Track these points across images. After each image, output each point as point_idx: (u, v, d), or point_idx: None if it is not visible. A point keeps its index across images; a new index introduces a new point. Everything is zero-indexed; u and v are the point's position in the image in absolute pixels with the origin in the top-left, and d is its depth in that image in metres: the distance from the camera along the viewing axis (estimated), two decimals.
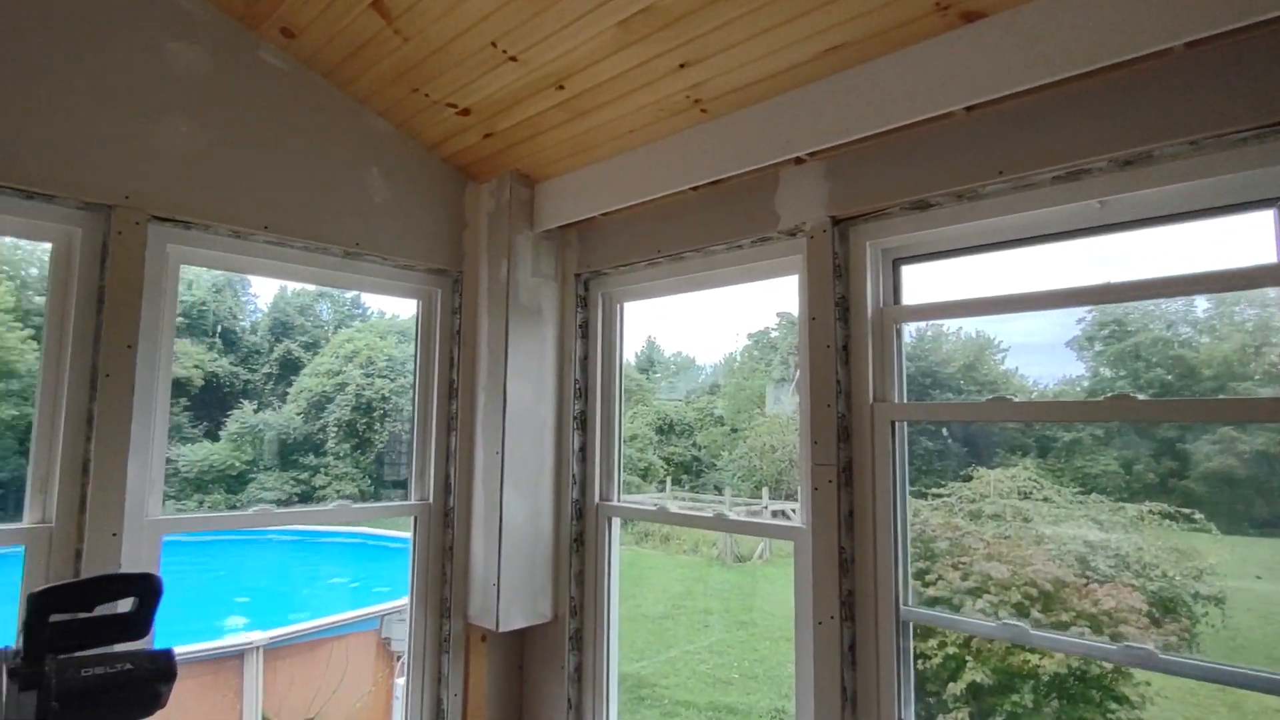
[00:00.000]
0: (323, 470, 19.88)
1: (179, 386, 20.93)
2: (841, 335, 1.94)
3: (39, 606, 1.05)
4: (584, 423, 2.69)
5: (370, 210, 2.45)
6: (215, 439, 20.15)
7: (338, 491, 19.49)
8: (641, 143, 2.27)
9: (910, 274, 1.99)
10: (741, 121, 2.03)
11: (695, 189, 2.25)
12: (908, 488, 1.91)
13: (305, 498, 19.33)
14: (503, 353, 2.53)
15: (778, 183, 2.10)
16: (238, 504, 18.97)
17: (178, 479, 18.91)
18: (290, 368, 22.43)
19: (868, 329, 1.93)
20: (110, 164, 1.94)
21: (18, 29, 1.82)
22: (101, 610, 1.14)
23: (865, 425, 1.91)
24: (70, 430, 1.88)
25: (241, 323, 23.61)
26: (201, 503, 18.72)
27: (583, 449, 2.68)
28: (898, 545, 1.87)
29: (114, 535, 1.89)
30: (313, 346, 22.72)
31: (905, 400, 1.93)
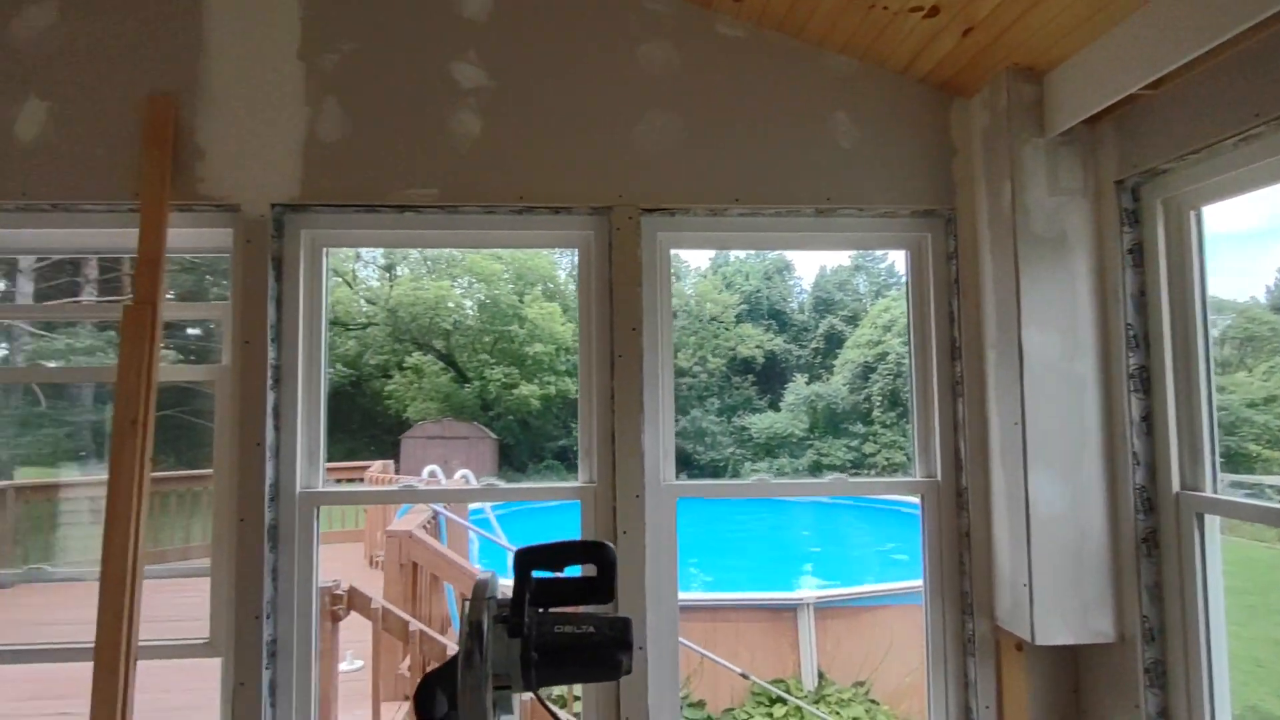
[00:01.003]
0: (871, 438, 20.58)
1: (745, 364, 24.44)
2: None
3: (521, 563, 1.17)
4: (1146, 382, 1.96)
5: (839, 159, 2.24)
6: (777, 409, 22.86)
7: (887, 459, 19.89)
8: None
9: None
10: None
11: None
12: None
13: (857, 464, 20.32)
14: (1014, 298, 2.02)
15: None
16: (798, 468, 21.07)
17: (751, 444, 22.07)
18: (834, 341, 23.88)
19: None
20: (605, 170, 2.19)
21: (527, 78, 2.19)
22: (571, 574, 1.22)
23: None
24: (600, 405, 2.20)
25: (790, 304, 26.20)
26: (771, 465, 21.45)
27: (1147, 418, 1.96)
28: None
29: (637, 497, 2.14)
30: (853, 319, 23.75)
31: None
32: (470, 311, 23.94)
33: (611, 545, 1.20)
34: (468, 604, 1.09)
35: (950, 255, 2.28)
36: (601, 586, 1.20)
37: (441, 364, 23.51)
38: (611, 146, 2.20)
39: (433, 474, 7.52)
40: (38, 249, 2.26)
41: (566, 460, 22.59)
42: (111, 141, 2.10)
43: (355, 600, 3.27)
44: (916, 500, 2.33)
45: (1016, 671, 2.15)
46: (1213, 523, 1.87)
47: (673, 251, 2.33)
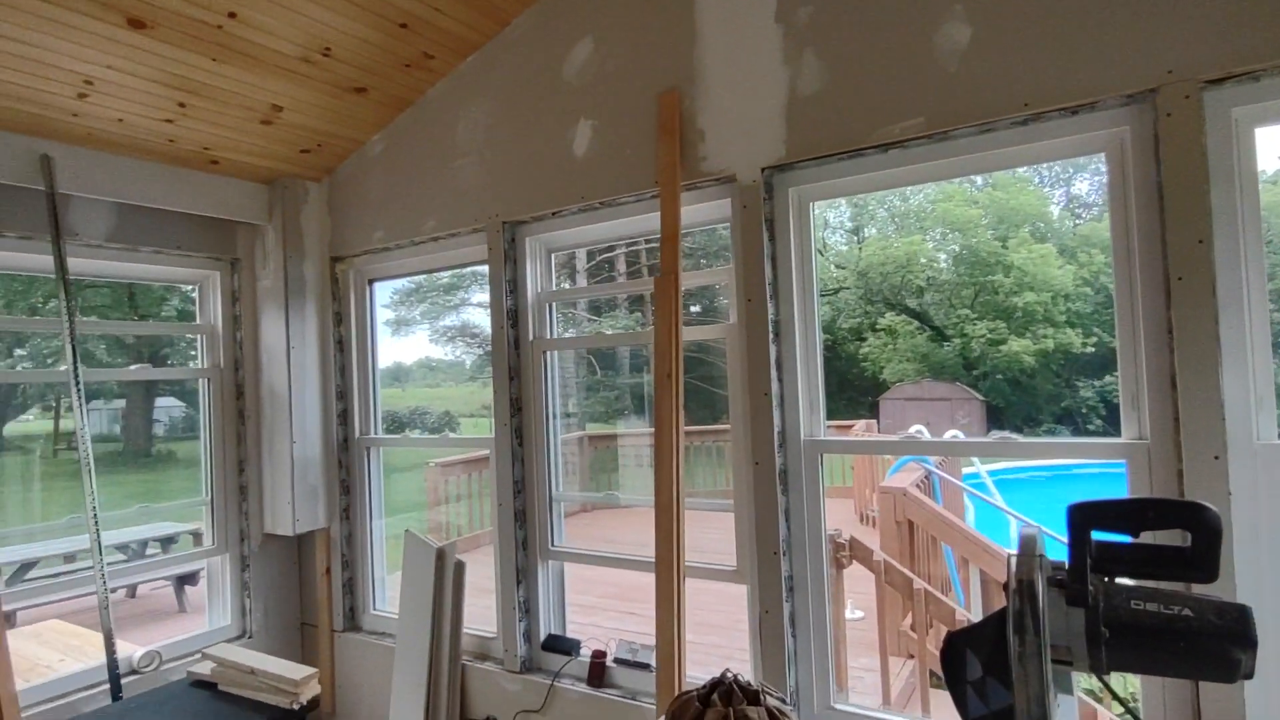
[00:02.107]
0: None
1: None
2: None
3: (1078, 520, 0.98)
4: None
5: None
6: None
7: None
8: None
9: None
10: None
11: None
12: None
13: None
14: None
15: None
16: None
17: None
18: None
19: None
20: (1142, 42, 1.71)
21: None
22: (1151, 541, 0.98)
23: None
24: (1151, 343, 1.75)
25: None
26: None
27: None
28: None
29: (1216, 458, 1.65)
30: None
31: None
32: (945, 265, 22.54)
33: (1213, 508, 0.91)
34: (1013, 560, 0.95)
35: None
36: (1197, 560, 0.93)
37: (917, 323, 22.73)
38: (1151, 8, 1.71)
39: (919, 432, 7.27)
40: (589, 242, 2.83)
41: (1072, 423, 19.59)
42: (636, 141, 2.48)
43: (857, 551, 3.34)
44: None
45: None
46: None
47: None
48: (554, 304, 2.89)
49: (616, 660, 2.56)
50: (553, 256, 2.92)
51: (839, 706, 2.17)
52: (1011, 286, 19.46)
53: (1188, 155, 1.68)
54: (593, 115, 2.59)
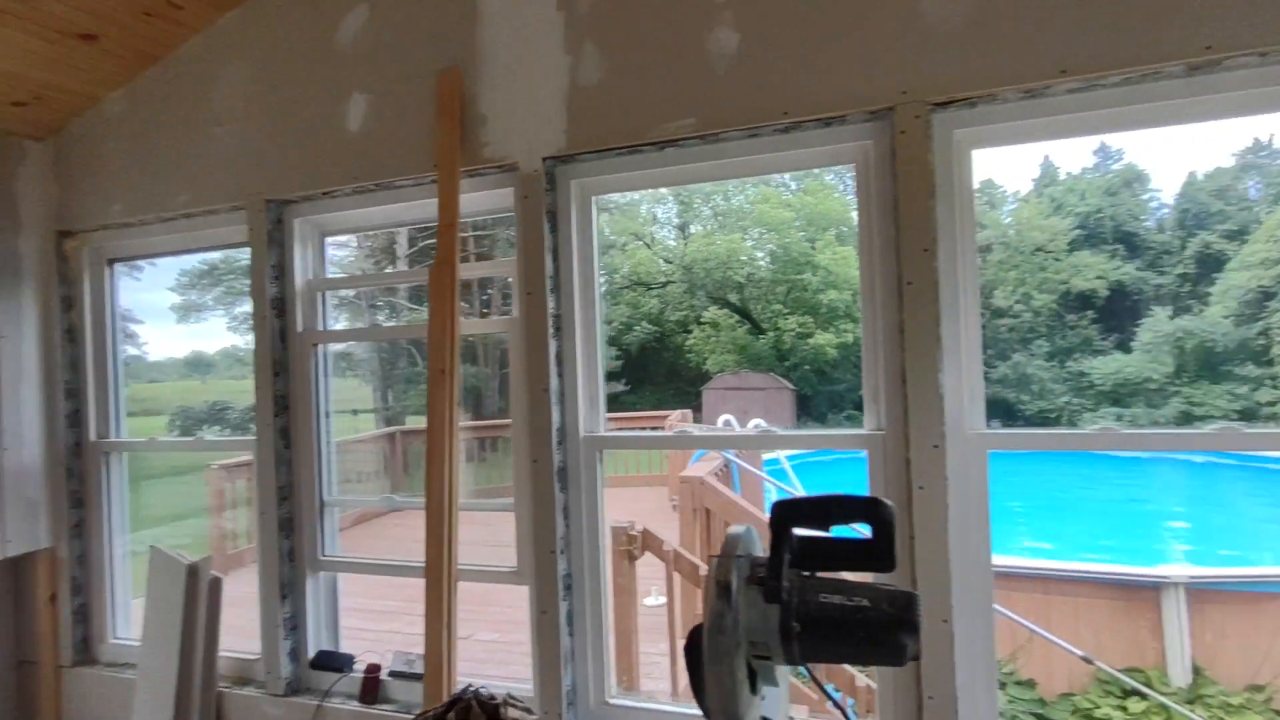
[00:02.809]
0: (1269, 382, 16.19)
1: (1084, 299, 20.79)
2: None
3: (778, 518, 1.01)
4: None
5: None
6: (1127, 350, 19.12)
7: None
8: None
9: None
10: None
11: None
12: None
13: (1247, 415, 16.18)
14: None
15: None
16: (1160, 419, 17.51)
17: (1092, 391, 18.84)
18: (1209, 264, 19.11)
19: None
20: (883, 62, 1.85)
21: None
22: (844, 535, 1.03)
23: None
24: (886, 341, 1.91)
25: (1145, 222, 21.54)
26: (1120, 416, 18.10)
27: None
28: None
29: (935, 447, 1.82)
30: (1239, 234, 18.71)
31: None
32: (762, 263, 23.96)
33: (889, 502, 0.97)
34: (713, 561, 0.95)
35: None
36: (879, 551, 0.98)
37: (737, 317, 23.96)
38: (890, 34, 1.85)
39: (726, 423, 7.67)
40: (365, 226, 2.63)
41: None
42: (416, 121, 2.32)
43: (649, 542, 3.42)
44: None
45: None
46: None
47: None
48: (326, 293, 2.65)
49: (392, 674, 2.41)
50: (326, 241, 2.68)
51: (614, 701, 2.18)
52: (818, 285, 21.10)
53: (917, 170, 1.84)
54: (369, 89, 2.40)
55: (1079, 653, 4.03)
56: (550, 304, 2.19)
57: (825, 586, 0.98)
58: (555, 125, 2.16)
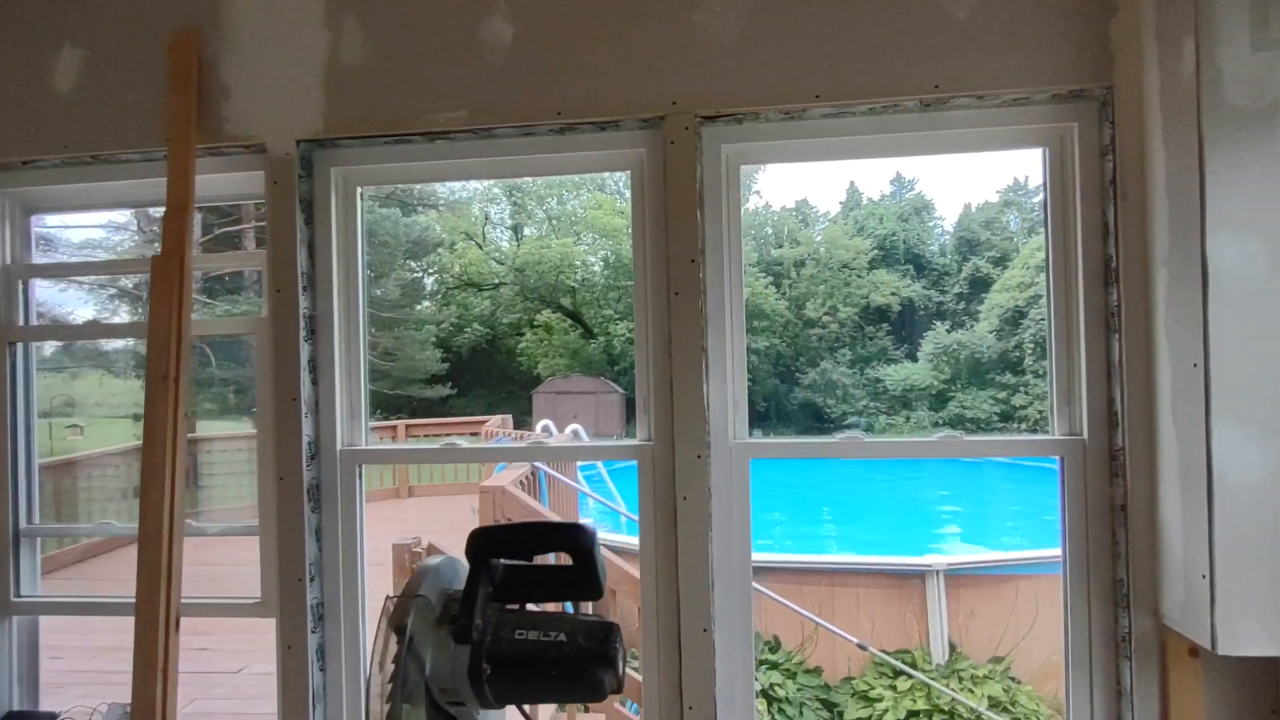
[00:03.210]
0: (1023, 389, 18.82)
1: (880, 313, 23.05)
2: None
3: (474, 549, 0.92)
4: None
5: (953, 33, 1.76)
6: (914, 360, 21.42)
7: (1040, 413, 18.14)
8: None
9: None
10: None
11: None
12: None
13: (1005, 418, 18.71)
14: (1197, 196, 1.49)
15: None
16: (937, 422, 19.74)
17: (887, 395, 20.89)
18: (979, 285, 21.91)
19: None
20: (657, 73, 1.84)
21: None
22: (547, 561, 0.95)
23: None
24: (656, 351, 1.90)
25: (929, 247, 24.28)
26: (908, 419, 20.21)
27: None
28: None
29: (699, 457, 1.83)
30: (1002, 261, 21.63)
31: None
32: (596, 268, 24.13)
33: (589, 528, 0.91)
34: (390, 603, 0.85)
35: (1106, 149, 1.75)
36: (581, 580, 0.92)
37: (570, 321, 23.95)
38: (664, 43, 1.84)
39: (545, 429, 7.57)
40: (84, 205, 2.25)
41: None
42: (143, 85, 2.00)
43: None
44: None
45: (1189, 684, 1.68)
46: None
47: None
48: (30, 282, 2.22)
49: None
50: (32, 221, 2.25)
51: None
52: None
53: (685, 181, 1.84)
54: (83, 42, 2.03)
55: (855, 640, 4.36)
56: (303, 303, 1.97)
57: (523, 621, 0.91)
58: (311, 105, 1.95)
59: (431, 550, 3.22)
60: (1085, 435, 1.79)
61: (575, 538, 0.90)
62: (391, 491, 9.68)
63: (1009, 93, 1.76)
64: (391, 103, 1.92)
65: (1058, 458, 1.82)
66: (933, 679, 4.71)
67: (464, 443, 2.07)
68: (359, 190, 2.07)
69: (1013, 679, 4.98)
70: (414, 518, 8.06)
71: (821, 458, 1.91)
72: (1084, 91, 1.75)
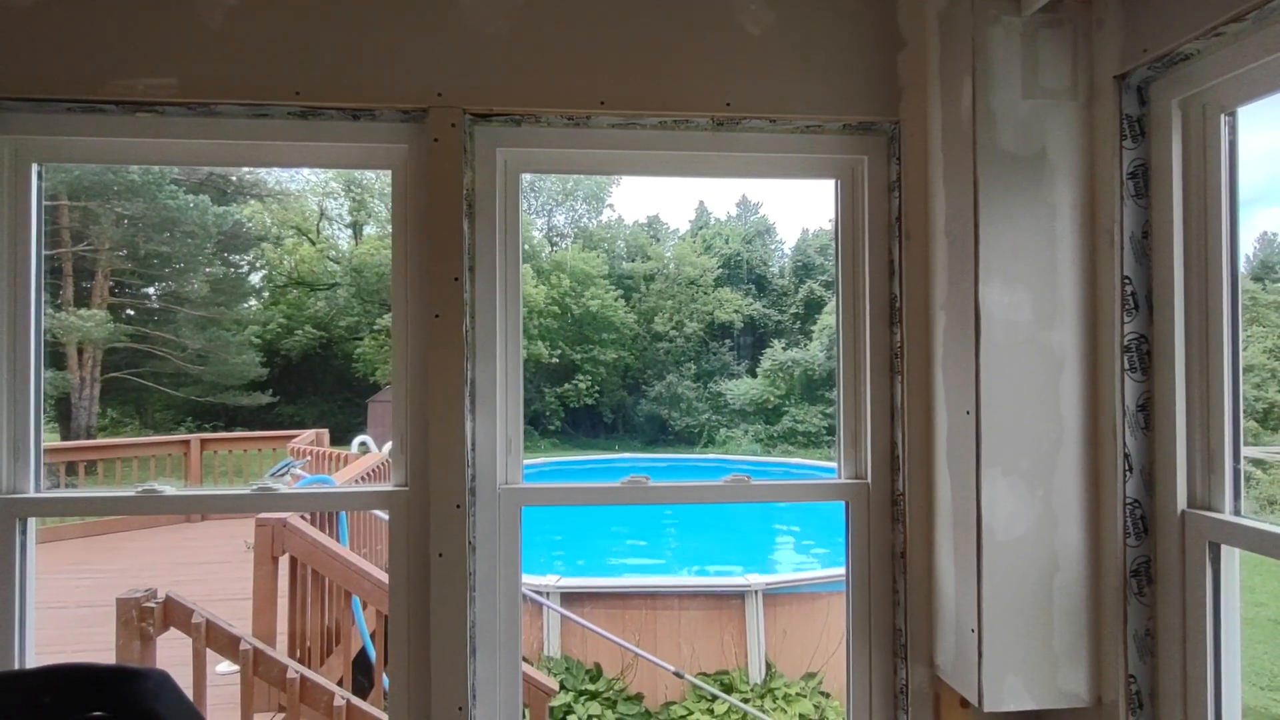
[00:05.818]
0: None
1: (724, 329, 23.93)
2: None
3: None
4: (1147, 358, 1.41)
5: (747, 50, 1.64)
6: (754, 375, 22.38)
7: None
8: None
9: None
10: None
11: None
12: None
13: (833, 432, 19.96)
14: (971, 240, 1.45)
15: None
16: (773, 435, 20.69)
17: (727, 410, 21.64)
18: (814, 306, 23.33)
19: None
20: (419, 58, 1.58)
21: None
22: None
23: None
24: (413, 382, 1.62)
25: (770, 268, 25.56)
26: (746, 431, 21.03)
27: (1146, 408, 1.41)
28: None
29: (458, 507, 1.58)
30: (833, 284, 23.19)
31: None
32: None
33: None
34: None
35: (892, 185, 1.70)
36: None
37: None
38: (426, 24, 1.58)
39: (363, 445, 6.96)
40: None
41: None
42: None
43: (173, 613, 2.70)
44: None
45: None
46: (1231, 556, 1.34)
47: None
48: None
49: None
50: None
51: None
52: None
53: (449, 186, 1.59)
54: None
55: (670, 668, 4.26)
56: None
57: None
58: None
59: (169, 602, 2.68)
60: (869, 479, 1.73)
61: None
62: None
63: (801, 118, 1.66)
64: (70, 60, 1.51)
65: (843, 502, 1.74)
66: (748, 699, 4.72)
67: (170, 489, 1.66)
68: (34, 169, 1.62)
69: (824, 694, 5.11)
70: (205, 545, 7.13)
71: (603, 504, 1.72)
72: (874, 125, 1.69)
